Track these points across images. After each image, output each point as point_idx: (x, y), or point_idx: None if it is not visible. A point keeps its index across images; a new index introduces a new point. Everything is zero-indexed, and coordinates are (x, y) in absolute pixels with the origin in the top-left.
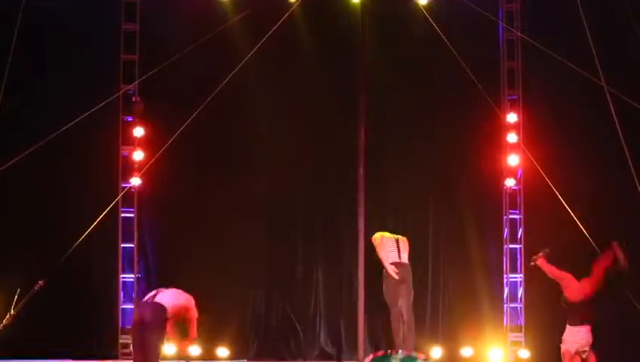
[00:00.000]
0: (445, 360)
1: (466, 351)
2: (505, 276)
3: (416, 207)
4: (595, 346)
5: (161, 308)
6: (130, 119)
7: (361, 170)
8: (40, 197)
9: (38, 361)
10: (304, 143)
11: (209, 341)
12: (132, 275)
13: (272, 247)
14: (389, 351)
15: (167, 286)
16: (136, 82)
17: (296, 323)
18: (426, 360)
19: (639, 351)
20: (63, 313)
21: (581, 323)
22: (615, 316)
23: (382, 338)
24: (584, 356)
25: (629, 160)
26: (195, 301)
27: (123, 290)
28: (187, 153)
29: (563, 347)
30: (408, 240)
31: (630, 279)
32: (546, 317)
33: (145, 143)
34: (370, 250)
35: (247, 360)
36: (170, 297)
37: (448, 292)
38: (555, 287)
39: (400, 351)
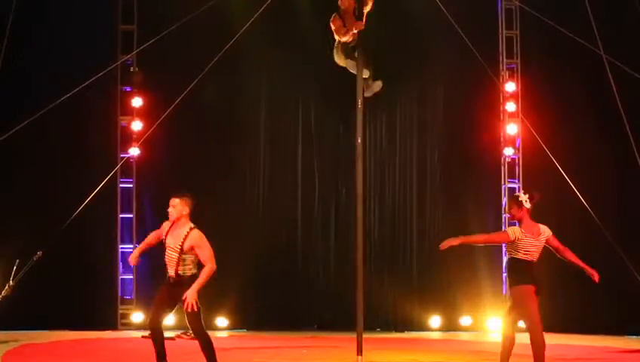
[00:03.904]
0: (444, 329)
1: (464, 320)
2: (504, 245)
3: (415, 177)
4: None
5: None
6: (128, 89)
7: (359, 140)
8: (38, 167)
9: (37, 331)
10: (302, 113)
11: (208, 311)
12: (131, 245)
13: (272, 218)
14: None
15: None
16: (134, 52)
17: (296, 294)
18: None
19: None
20: (61, 283)
21: None
22: None
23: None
24: None
25: (627, 127)
26: None
27: (122, 261)
28: (185, 123)
29: None
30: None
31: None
32: (545, 286)
33: (143, 113)
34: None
35: (247, 330)
36: None
37: (447, 262)
38: (554, 256)
39: None
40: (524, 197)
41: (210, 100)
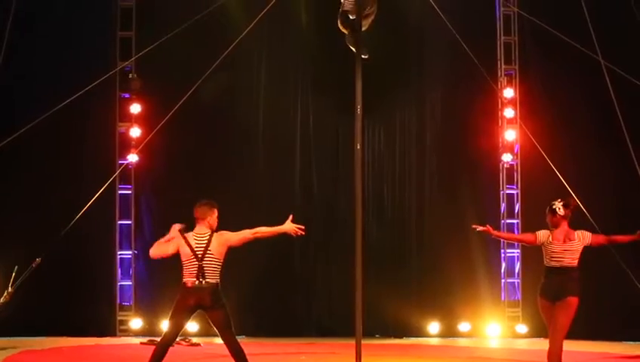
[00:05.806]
0: (443, 336)
1: (463, 327)
2: (502, 251)
3: (414, 183)
4: None
5: None
6: (127, 96)
7: (358, 146)
8: (37, 174)
9: (36, 338)
10: (301, 119)
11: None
12: (129, 252)
13: (270, 224)
14: None
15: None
16: (133, 59)
17: (294, 300)
18: None
19: None
20: (60, 290)
21: None
22: None
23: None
24: None
25: (626, 134)
26: None
27: (120, 267)
28: (184, 129)
29: None
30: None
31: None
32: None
33: (142, 120)
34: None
35: (246, 336)
36: None
37: (445, 268)
38: None
39: None
40: (558, 205)
41: (209, 106)
